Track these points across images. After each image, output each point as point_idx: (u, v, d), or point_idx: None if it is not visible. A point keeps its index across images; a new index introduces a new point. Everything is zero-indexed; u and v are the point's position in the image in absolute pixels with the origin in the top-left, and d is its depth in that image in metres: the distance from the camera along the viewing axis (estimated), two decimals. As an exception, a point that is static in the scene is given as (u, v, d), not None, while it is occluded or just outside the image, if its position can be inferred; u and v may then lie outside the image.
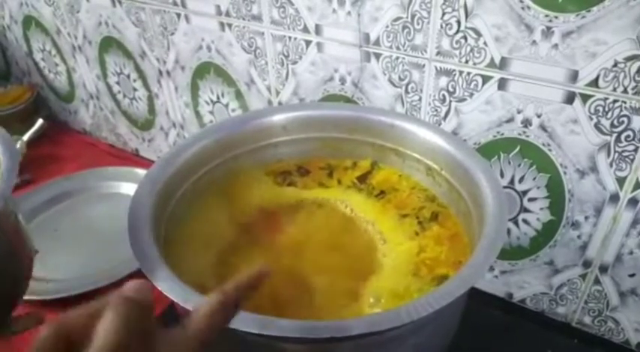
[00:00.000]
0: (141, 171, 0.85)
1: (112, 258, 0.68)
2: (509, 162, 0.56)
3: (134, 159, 1.00)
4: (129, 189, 0.82)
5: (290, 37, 0.65)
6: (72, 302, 0.62)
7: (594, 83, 0.47)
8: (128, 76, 0.90)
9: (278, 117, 0.55)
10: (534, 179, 0.55)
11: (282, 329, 0.31)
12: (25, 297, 0.62)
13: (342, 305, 0.42)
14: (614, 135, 0.48)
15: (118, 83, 0.94)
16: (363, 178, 0.54)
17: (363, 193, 0.52)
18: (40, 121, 0.92)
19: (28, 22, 1.01)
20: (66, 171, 0.89)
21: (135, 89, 0.92)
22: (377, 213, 0.50)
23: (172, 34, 0.78)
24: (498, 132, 0.55)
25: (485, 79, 0.53)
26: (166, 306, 0.61)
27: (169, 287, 0.35)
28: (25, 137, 0.89)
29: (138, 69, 0.88)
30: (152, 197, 0.44)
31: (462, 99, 0.55)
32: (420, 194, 0.51)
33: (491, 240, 0.38)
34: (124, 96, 0.95)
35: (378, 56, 0.59)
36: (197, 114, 0.85)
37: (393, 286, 0.42)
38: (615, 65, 0.45)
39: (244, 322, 0.31)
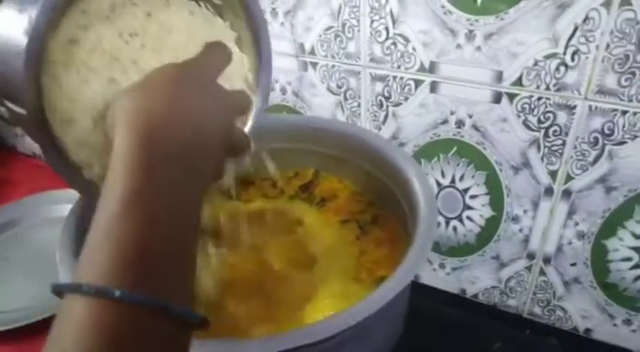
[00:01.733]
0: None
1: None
2: (449, 162, 0.57)
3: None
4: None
5: (229, 51, 0.65)
6: (23, 332, 0.60)
7: (518, 82, 0.49)
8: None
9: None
10: (473, 177, 0.56)
11: (207, 348, 0.32)
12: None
13: (288, 316, 0.43)
14: (542, 131, 0.50)
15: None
16: (305, 187, 0.55)
17: (305, 202, 0.53)
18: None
19: None
20: (16, 196, 0.87)
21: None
22: (319, 220, 0.50)
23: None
24: (435, 134, 0.56)
25: (418, 83, 0.54)
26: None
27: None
28: (-29, 164, 0.87)
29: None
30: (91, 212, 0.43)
31: (397, 104, 0.56)
32: (360, 198, 0.52)
33: (421, 242, 0.38)
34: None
35: (314, 65, 0.59)
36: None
37: (333, 292, 0.43)
38: (536, 64, 0.47)
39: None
